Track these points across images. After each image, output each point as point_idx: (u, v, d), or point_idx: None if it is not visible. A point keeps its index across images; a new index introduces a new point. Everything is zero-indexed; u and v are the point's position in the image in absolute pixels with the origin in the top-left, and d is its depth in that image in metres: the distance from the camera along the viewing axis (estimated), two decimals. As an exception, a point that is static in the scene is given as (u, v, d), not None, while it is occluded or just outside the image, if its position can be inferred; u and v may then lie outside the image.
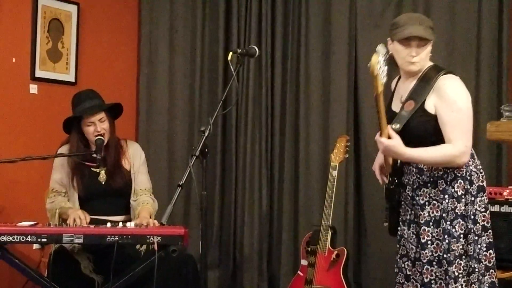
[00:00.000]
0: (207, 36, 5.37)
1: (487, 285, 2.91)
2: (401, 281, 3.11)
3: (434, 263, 2.94)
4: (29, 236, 3.08)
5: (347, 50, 4.98)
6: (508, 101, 4.37)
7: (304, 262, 4.33)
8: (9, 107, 4.54)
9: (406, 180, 3.06)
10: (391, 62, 2.92)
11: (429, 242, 2.95)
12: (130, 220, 3.67)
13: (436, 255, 2.93)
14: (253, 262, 5.11)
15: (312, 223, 4.77)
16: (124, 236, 3.13)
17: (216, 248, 5.26)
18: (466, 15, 4.69)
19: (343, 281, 4.16)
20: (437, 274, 2.93)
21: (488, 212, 2.94)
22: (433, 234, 2.94)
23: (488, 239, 2.93)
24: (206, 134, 2.97)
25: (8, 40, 4.53)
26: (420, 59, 2.95)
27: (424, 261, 2.96)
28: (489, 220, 2.95)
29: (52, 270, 3.35)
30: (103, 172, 3.72)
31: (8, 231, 3.07)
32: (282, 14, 5.17)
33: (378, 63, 2.71)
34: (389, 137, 2.93)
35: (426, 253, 2.96)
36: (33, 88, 4.67)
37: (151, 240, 3.13)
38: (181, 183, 2.86)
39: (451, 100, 2.85)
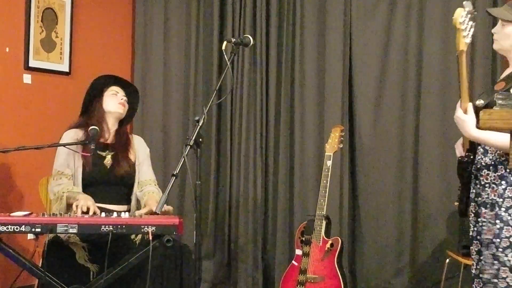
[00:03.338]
0: (202, 26, 5.35)
1: None
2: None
3: (483, 245, 2.93)
4: (23, 226, 3.07)
5: (342, 40, 4.97)
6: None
7: (298, 251, 4.33)
8: (3, 96, 4.53)
9: (477, 159, 3.02)
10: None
11: (483, 224, 2.94)
12: (129, 211, 3.71)
13: (486, 237, 2.92)
14: (248, 252, 5.12)
15: (306, 213, 4.78)
16: (119, 226, 3.12)
17: (211, 238, 5.26)
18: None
19: (337, 270, 4.17)
20: (482, 256, 2.92)
21: None
22: (487, 217, 2.93)
23: None
24: (200, 124, 2.97)
25: (2, 30, 4.51)
26: (497, 37, 2.99)
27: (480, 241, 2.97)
28: None
29: (47, 260, 3.35)
30: (109, 156, 3.74)
31: (2, 221, 3.06)
32: (276, 4, 5.16)
33: (461, 16, 2.70)
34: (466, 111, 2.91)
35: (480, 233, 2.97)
36: (27, 78, 4.66)
37: (146, 230, 3.13)
38: (175, 173, 2.86)
39: None
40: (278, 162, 5.14)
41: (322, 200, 4.24)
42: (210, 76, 5.31)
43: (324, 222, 4.25)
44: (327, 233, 4.29)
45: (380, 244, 4.90)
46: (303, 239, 4.31)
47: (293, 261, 4.36)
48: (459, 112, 2.92)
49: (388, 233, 4.88)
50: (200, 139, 2.96)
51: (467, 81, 2.88)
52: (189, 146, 2.91)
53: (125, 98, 3.87)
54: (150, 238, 3.09)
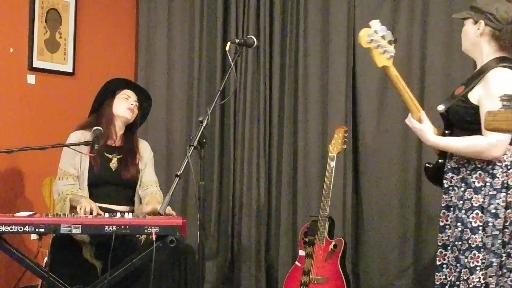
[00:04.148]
0: (205, 26, 5.35)
1: None
2: None
3: (448, 247, 2.95)
4: (27, 226, 3.09)
5: (346, 41, 4.96)
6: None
7: (301, 252, 4.33)
8: (7, 97, 4.53)
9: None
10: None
11: (447, 226, 2.97)
12: (133, 212, 3.72)
13: (450, 240, 2.95)
14: (251, 253, 5.12)
15: (310, 213, 4.77)
16: (122, 227, 3.13)
17: (214, 239, 5.26)
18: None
19: (341, 271, 4.17)
20: (448, 259, 2.95)
21: None
22: (449, 220, 2.96)
23: None
24: (204, 124, 2.98)
25: (6, 30, 4.52)
26: (462, 37, 3.04)
27: (440, 244, 2.99)
28: None
29: (52, 255, 3.36)
30: (115, 159, 3.76)
31: (6, 221, 3.07)
32: (280, 4, 5.15)
33: (368, 36, 2.72)
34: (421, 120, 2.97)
35: (442, 236, 2.99)
36: (31, 78, 4.66)
37: (149, 230, 3.13)
38: (179, 174, 2.87)
39: (494, 93, 2.73)
40: (282, 162, 5.14)
41: (325, 201, 4.24)
42: (214, 77, 5.31)
43: (327, 223, 4.25)
44: (330, 234, 4.29)
45: (384, 245, 4.89)
46: (306, 240, 4.31)
47: (296, 262, 4.35)
48: (415, 123, 2.96)
49: (391, 234, 4.87)
50: (204, 140, 2.97)
51: (408, 91, 2.93)
52: (192, 147, 2.92)
53: (136, 103, 3.88)
54: (154, 238, 3.10)
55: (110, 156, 3.77)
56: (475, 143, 2.82)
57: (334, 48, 4.99)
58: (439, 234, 3.01)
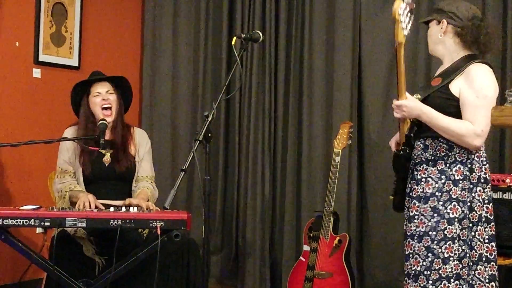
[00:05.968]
0: (211, 21, 5.35)
1: (488, 276, 2.97)
2: None
3: (415, 237, 3.00)
4: (32, 220, 3.09)
5: (351, 35, 4.95)
6: (512, 86, 4.35)
7: (306, 247, 4.33)
8: (13, 91, 4.54)
9: (413, 155, 3.09)
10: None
11: (416, 216, 3.01)
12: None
13: (418, 230, 2.99)
14: (256, 248, 5.12)
15: (314, 208, 4.78)
16: (127, 221, 3.13)
17: (219, 233, 5.27)
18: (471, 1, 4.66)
19: (345, 266, 4.17)
20: (415, 249, 2.99)
21: (491, 204, 3.00)
22: (420, 210, 3.00)
23: (491, 231, 2.99)
24: (209, 119, 2.97)
25: (12, 24, 4.52)
26: (428, 41, 3.16)
27: (408, 234, 3.05)
28: (493, 213, 3.00)
29: (54, 253, 3.37)
30: (108, 154, 3.74)
31: (12, 215, 3.08)
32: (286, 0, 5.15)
33: (400, 8, 2.74)
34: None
35: (411, 226, 3.03)
36: (37, 72, 4.67)
37: (154, 224, 3.14)
38: (184, 168, 2.87)
39: (478, 87, 2.89)
40: (286, 157, 5.13)
41: (330, 196, 4.24)
42: (219, 71, 5.31)
43: (332, 218, 4.25)
44: (335, 229, 4.29)
45: (388, 240, 4.88)
46: (311, 235, 4.31)
47: (301, 257, 4.36)
48: (403, 101, 2.93)
49: (395, 229, 4.85)
50: (209, 134, 2.97)
51: (404, 75, 2.93)
52: (198, 141, 2.92)
53: (110, 96, 3.75)
54: (159, 232, 3.11)
55: (102, 151, 3.72)
56: (464, 124, 2.88)
57: (339, 43, 4.98)
58: (408, 224, 3.07)
